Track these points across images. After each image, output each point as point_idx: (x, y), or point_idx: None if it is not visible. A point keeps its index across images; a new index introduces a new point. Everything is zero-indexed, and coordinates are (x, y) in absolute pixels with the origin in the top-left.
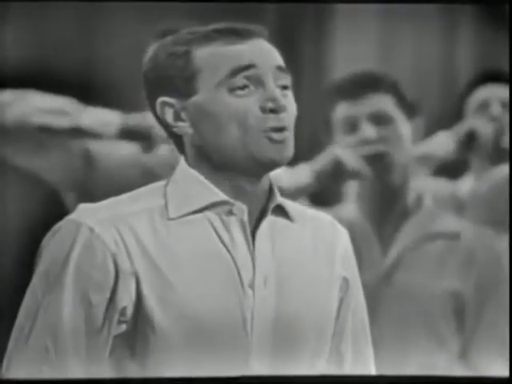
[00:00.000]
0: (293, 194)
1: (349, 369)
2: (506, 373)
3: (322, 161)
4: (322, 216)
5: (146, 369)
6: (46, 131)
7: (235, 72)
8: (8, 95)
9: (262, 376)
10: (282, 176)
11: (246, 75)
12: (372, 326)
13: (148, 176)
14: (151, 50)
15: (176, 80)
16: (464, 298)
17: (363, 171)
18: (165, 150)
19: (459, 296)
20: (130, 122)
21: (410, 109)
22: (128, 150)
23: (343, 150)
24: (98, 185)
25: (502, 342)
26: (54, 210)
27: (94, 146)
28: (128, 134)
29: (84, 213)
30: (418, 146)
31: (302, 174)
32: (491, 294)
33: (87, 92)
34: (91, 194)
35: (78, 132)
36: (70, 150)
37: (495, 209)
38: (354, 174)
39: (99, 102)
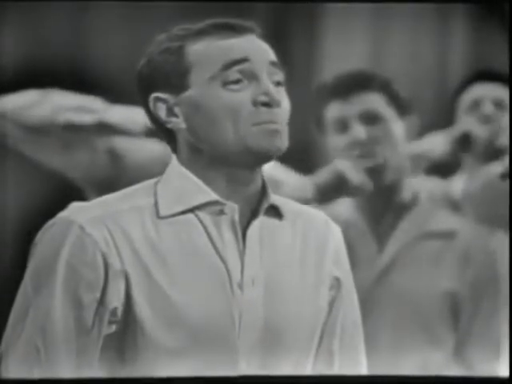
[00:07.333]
0: None
1: (340, 368)
2: (505, 373)
3: (324, 174)
4: (315, 213)
5: (135, 369)
6: (72, 129)
7: (229, 65)
8: (33, 95)
9: (255, 376)
10: (283, 189)
11: (240, 69)
12: (367, 325)
13: None
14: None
15: (169, 75)
16: (459, 296)
17: (366, 186)
18: None
19: (454, 295)
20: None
21: (402, 107)
22: (153, 148)
23: (346, 164)
24: (122, 183)
25: (496, 340)
26: None
27: (120, 144)
28: (155, 132)
29: (75, 211)
30: (411, 145)
31: (304, 188)
32: (486, 292)
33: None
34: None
35: (104, 128)
36: (95, 149)
37: (488, 207)
38: (357, 189)
39: (125, 101)
